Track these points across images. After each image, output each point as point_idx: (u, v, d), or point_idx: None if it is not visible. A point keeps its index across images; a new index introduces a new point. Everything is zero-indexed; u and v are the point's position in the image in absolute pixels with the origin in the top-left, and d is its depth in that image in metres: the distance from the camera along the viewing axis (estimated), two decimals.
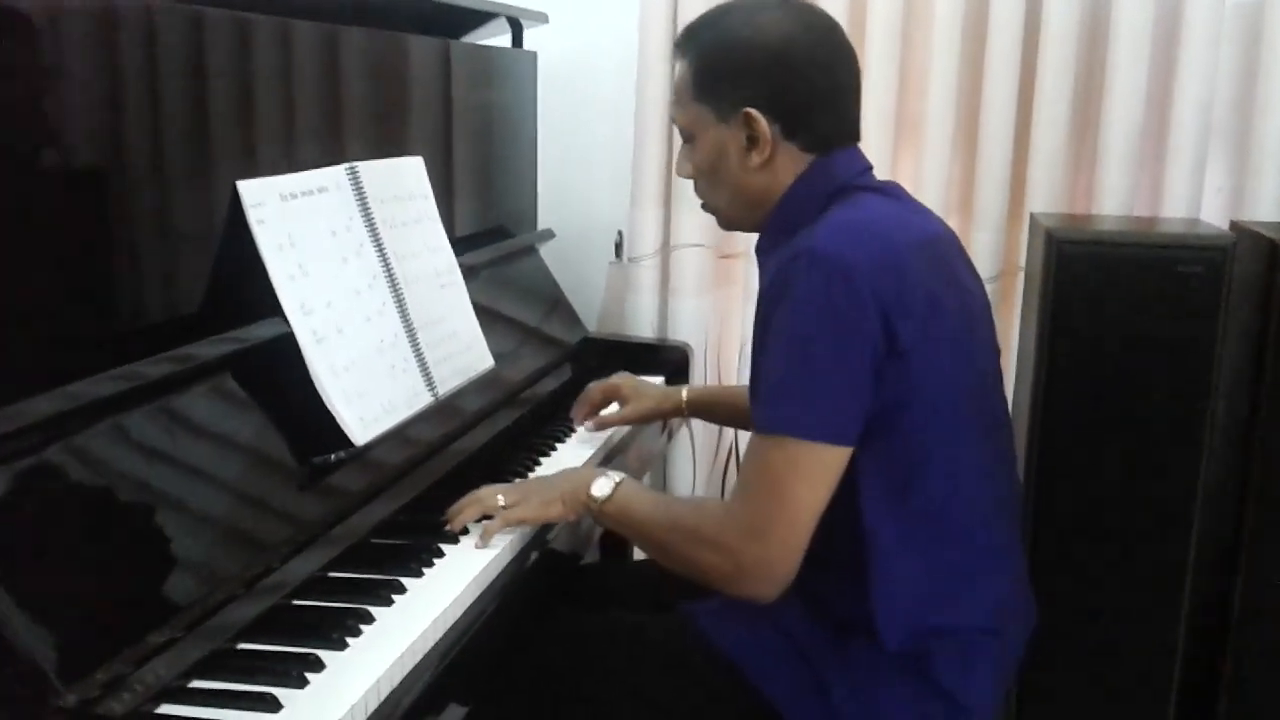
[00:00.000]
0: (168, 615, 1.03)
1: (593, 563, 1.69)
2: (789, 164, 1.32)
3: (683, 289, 2.40)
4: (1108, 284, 1.78)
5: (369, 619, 1.16)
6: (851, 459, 1.22)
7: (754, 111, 1.29)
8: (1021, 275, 2.17)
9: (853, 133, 1.36)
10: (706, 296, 2.42)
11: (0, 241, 1.04)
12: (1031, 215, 2.08)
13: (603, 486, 1.37)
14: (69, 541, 1.00)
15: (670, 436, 2.28)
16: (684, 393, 1.84)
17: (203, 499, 1.15)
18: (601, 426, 1.81)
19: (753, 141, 1.31)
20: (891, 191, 1.36)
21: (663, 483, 2.53)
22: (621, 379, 1.85)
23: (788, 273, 1.21)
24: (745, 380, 2.37)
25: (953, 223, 2.30)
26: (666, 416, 1.88)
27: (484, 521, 1.38)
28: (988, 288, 2.22)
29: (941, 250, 1.32)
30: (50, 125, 1.11)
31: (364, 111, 1.65)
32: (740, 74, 1.30)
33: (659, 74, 2.30)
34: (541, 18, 2.21)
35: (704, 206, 1.44)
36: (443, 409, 1.59)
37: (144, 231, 1.22)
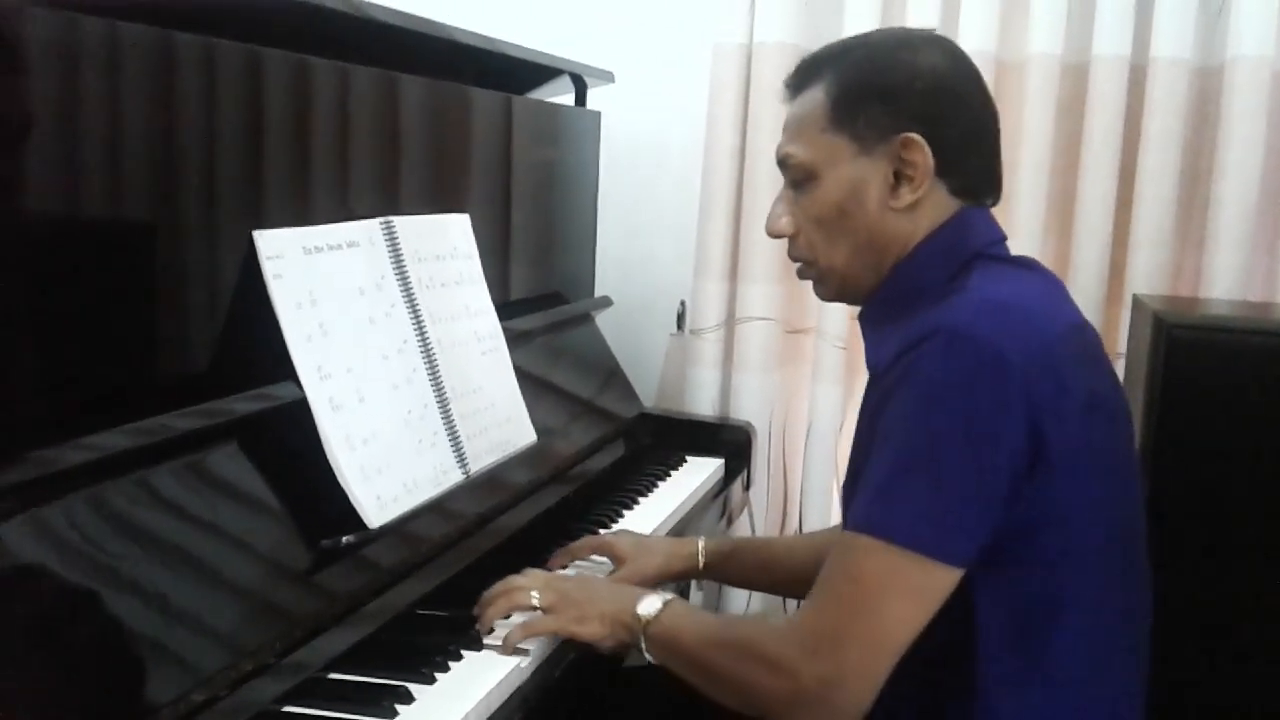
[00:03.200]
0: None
1: (636, 666, 1.51)
2: (933, 209, 1.15)
3: (747, 364, 2.25)
4: (1222, 373, 1.59)
5: None
6: (970, 591, 1.03)
7: (917, 137, 1.12)
8: (1122, 361, 1.99)
9: (997, 187, 1.20)
10: (772, 374, 2.27)
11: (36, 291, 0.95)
12: (1135, 297, 1.91)
13: (650, 605, 1.19)
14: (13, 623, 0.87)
15: (730, 522, 2.12)
16: (700, 544, 1.51)
17: (188, 580, 1.01)
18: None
19: (900, 178, 1.14)
20: (1032, 266, 1.20)
21: (718, 588, 2.32)
22: (619, 535, 1.53)
23: (921, 351, 1.02)
24: (811, 467, 2.23)
25: (1105, 314, 2.12)
26: (679, 578, 1.54)
27: (512, 621, 1.23)
28: None
29: (1090, 341, 1.14)
30: (90, 169, 1.02)
31: (421, 164, 1.55)
32: (897, 96, 1.14)
33: (728, 141, 2.19)
34: (607, 76, 2.11)
35: (804, 269, 1.24)
36: (483, 483, 1.45)
37: (185, 284, 1.13)
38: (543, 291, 1.97)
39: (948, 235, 1.15)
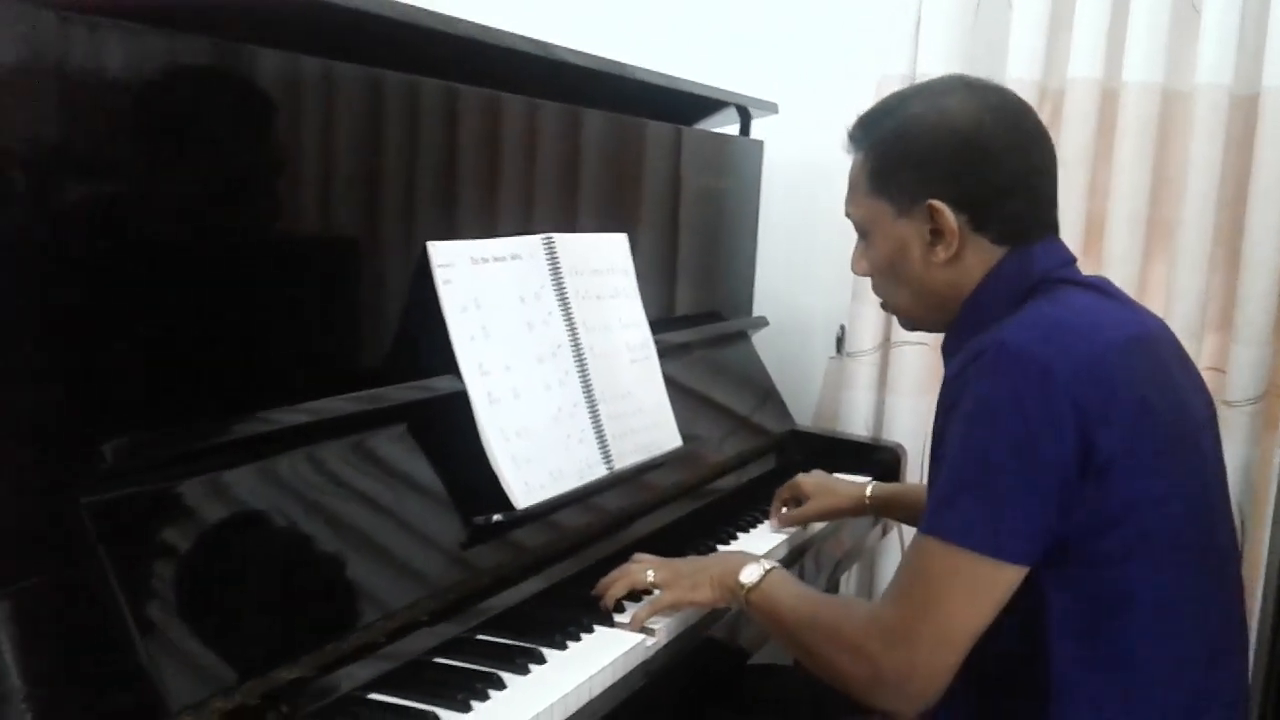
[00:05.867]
0: (297, 654, 1.04)
1: (761, 664, 1.59)
2: (978, 259, 1.22)
3: (901, 388, 2.30)
4: None
5: (500, 685, 1.14)
6: (1039, 590, 1.10)
7: (938, 203, 1.20)
8: None
9: (1050, 222, 1.25)
10: (926, 397, 2.30)
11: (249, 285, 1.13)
12: None
13: (752, 573, 1.30)
14: (209, 568, 1.04)
15: (885, 532, 2.16)
16: (869, 489, 1.76)
17: (359, 542, 1.17)
18: (786, 524, 1.75)
19: (937, 236, 1.22)
20: (1099, 286, 1.24)
21: (870, 579, 2.40)
22: (806, 476, 1.80)
23: (972, 369, 1.10)
24: None
25: (1208, 338, 2.10)
26: (850, 514, 1.80)
27: (634, 603, 1.34)
28: (1244, 409, 2.03)
29: (1156, 349, 1.18)
30: (304, 190, 1.21)
31: (598, 189, 1.71)
32: (923, 164, 1.22)
33: None
34: (771, 108, 2.21)
35: (884, 306, 1.36)
36: (630, 484, 1.57)
37: (350, 290, 1.29)
38: (703, 310, 2.09)
39: (1006, 271, 1.21)
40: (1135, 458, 1.08)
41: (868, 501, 1.75)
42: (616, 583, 1.35)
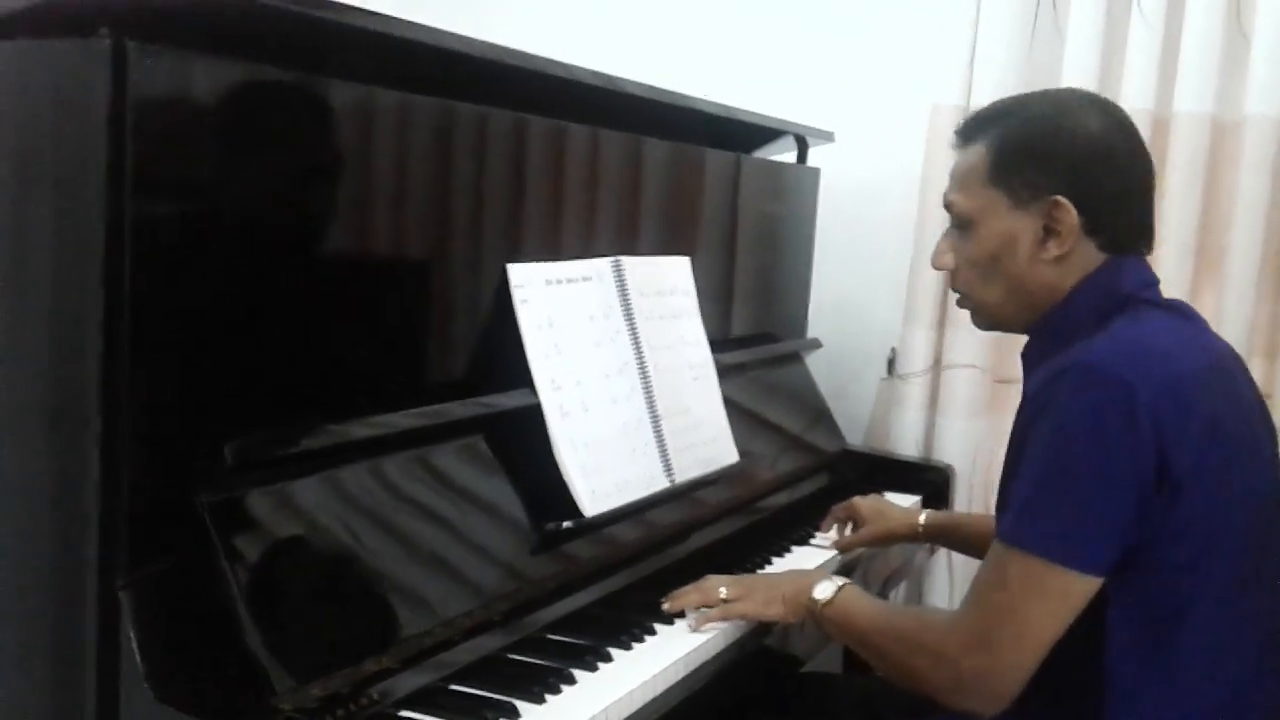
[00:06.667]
0: (386, 646, 1.12)
1: (814, 672, 1.65)
2: (1081, 262, 1.26)
3: (951, 410, 2.34)
4: None
5: (571, 680, 1.21)
6: (1101, 594, 1.15)
7: (1065, 201, 1.24)
8: None
9: (1149, 238, 1.29)
10: (977, 420, 2.35)
11: (289, 301, 1.20)
12: None
13: (825, 589, 1.35)
14: (311, 563, 1.12)
15: (933, 551, 2.21)
16: (923, 516, 1.78)
17: (441, 543, 1.25)
18: (842, 549, 1.79)
19: (1049, 233, 1.25)
20: (1179, 309, 1.29)
21: (918, 597, 2.44)
22: (863, 499, 1.82)
23: (1058, 385, 1.14)
24: None
25: (1255, 367, 2.13)
26: (903, 540, 1.82)
27: (702, 610, 1.41)
28: None
29: (1230, 375, 1.23)
30: (395, 215, 1.29)
31: (660, 215, 1.78)
32: (1053, 160, 1.25)
33: (940, 197, 2.30)
34: (828, 136, 2.28)
35: (962, 300, 1.37)
36: (686, 498, 1.64)
37: (437, 306, 1.37)
38: (758, 331, 2.15)
39: (1099, 282, 1.25)
40: (1205, 476, 1.13)
41: (921, 530, 1.77)
42: (689, 595, 1.41)
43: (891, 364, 2.48)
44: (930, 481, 2.20)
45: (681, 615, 1.41)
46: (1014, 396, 2.29)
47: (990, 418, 2.38)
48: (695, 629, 1.37)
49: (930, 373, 2.37)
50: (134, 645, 0.97)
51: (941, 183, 2.26)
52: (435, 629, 1.18)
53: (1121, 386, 1.11)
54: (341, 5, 1.10)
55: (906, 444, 2.39)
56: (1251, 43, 2.05)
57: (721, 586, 1.42)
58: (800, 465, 2.05)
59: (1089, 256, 1.26)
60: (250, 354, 1.10)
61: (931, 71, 2.31)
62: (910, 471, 2.23)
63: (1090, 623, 1.15)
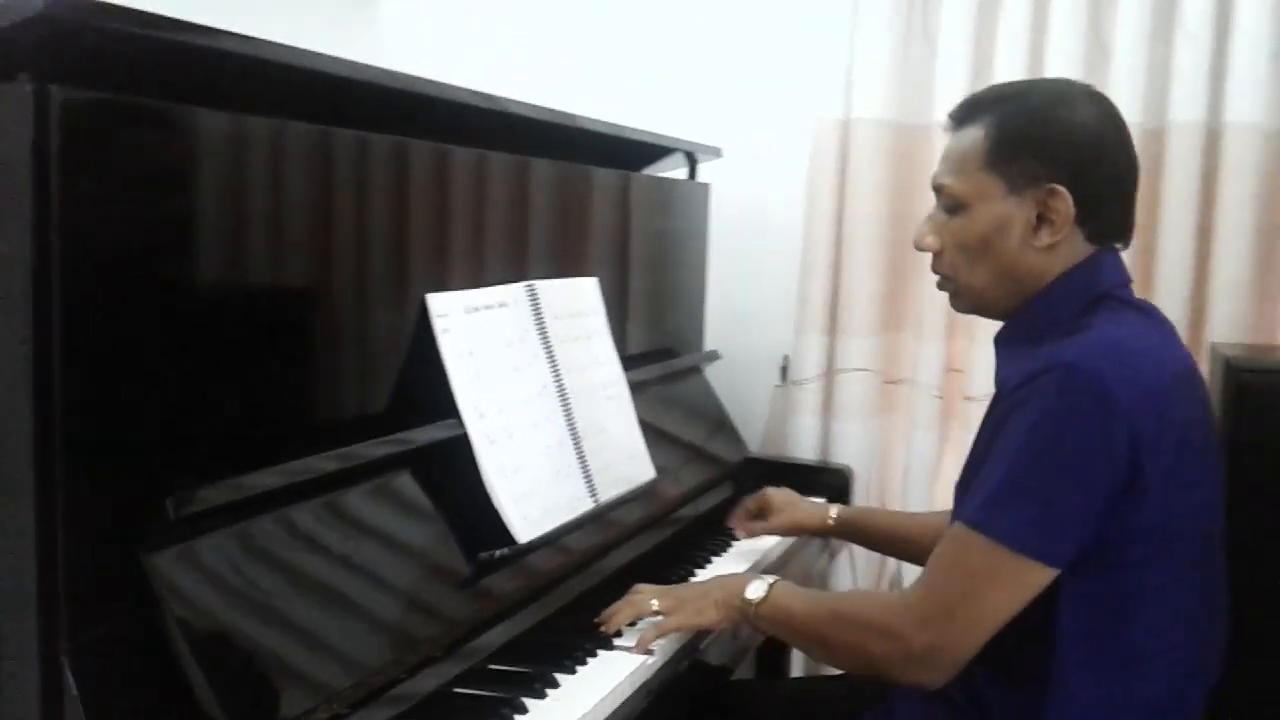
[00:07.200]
0: (337, 690, 1.10)
1: (744, 680, 1.69)
2: (1069, 251, 1.29)
3: (846, 413, 2.41)
4: None
5: (523, 709, 1.21)
6: (1057, 582, 1.19)
7: (1061, 188, 1.26)
8: None
9: (1129, 234, 1.34)
10: (870, 420, 2.43)
11: (221, 345, 1.16)
12: (1212, 345, 2.03)
13: (757, 589, 1.38)
14: (257, 613, 1.09)
15: (832, 557, 2.27)
16: (833, 510, 1.85)
17: (375, 582, 1.23)
18: (750, 534, 1.87)
19: (1043, 220, 1.28)
20: (1149, 310, 1.34)
21: None
22: (775, 490, 1.89)
23: (1041, 382, 1.18)
24: (909, 507, 2.37)
25: None
26: (813, 532, 1.89)
27: (639, 625, 1.42)
28: None
29: (1195, 379, 1.29)
30: (271, 245, 1.25)
31: (550, 235, 1.77)
32: (1052, 149, 1.27)
33: (826, 207, 2.37)
34: (715, 152, 2.32)
35: (943, 283, 1.39)
36: (602, 520, 1.65)
37: (352, 340, 1.34)
38: (656, 347, 2.18)
39: (1081, 275, 1.29)
40: (1170, 482, 1.18)
41: (832, 523, 1.82)
42: (621, 612, 1.42)
43: (784, 371, 2.54)
44: (830, 484, 2.27)
45: (618, 634, 1.42)
46: (903, 398, 2.42)
47: (882, 418, 2.46)
48: (637, 651, 1.38)
49: (824, 378, 2.44)
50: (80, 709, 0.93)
51: (826, 193, 2.37)
52: (386, 667, 1.16)
53: (1102, 392, 1.15)
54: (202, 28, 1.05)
55: (804, 449, 2.45)
56: (1112, 55, 2.18)
57: (652, 599, 1.44)
58: (709, 476, 2.09)
59: (1077, 246, 1.30)
60: (191, 399, 1.07)
61: (813, 86, 2.38)
62: (811, 474, 2.29)
63: (1042, 609, 1.20)
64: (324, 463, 1.21)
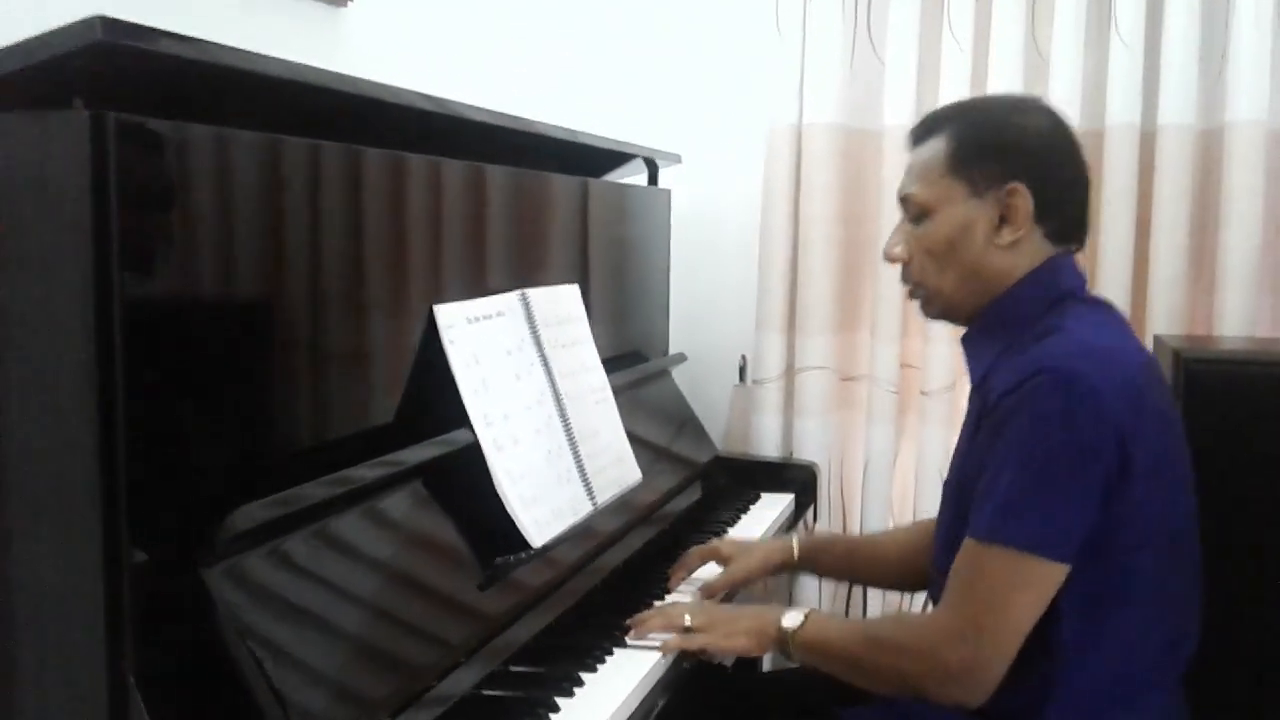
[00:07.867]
0: (393, 696, 1.12)
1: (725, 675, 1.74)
2: (1031, 250, 1.37)
3: (807, 410, 2.49)
4: (1237, 404, 1.80)
5: (555, 708, 1.24)
6: None
7: (1021, 186, 1.34)
8: None
9: (1085, 233, 1.42)
10: (829, 416, 2.51)
11: (274, 362, 1.17)
12: (1156, 337, 2.14)
13: (794, 618, 1.40)
14: (313, 622, 1.11)
15: (793, 580, 2.33)
16: (794, 541, 1.75)
17: (391, 595, 1.25)
18: (711, 593, 1.66)
19: (1004, 220, 1.36)
20: (1108, 308, 1.42)
21: None
22: (721, 541, 1.79)
23: (1030, 388, 1.24)
24: (870, 501, 2.46)
25: None
26: (777, 571, 1.77)
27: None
28: None
29: (1157, 370, 1.38)
30: (271, 258, 1.25)
31: (510, 243, 1.72)
32: (1010, 150, 1.36)
33: (783, 209, 2.45)
34: (675, 158, 2.37)
35: (914, 291, 1.46)
36: (603, 517, 1.67)
37: (356, 351, 1.34)
38: (623, 351, 2.21)
39: (1041, 277, 1.37)
40: (1155, 465, 1.26)
41: (797, 556, 1.73)
42: (653, 619, 1.45)
43: (743, 370, 2.61)
44: (797, 479, 2.34)
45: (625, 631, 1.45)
46: (861, 394, 2.50)
47: (841, 414, 2.54)
48: (664, 653, 1.41)
49: (784, 377, 2.51)
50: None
51: (782, 195, 2.44)
52: (422, 672, 1.18)
53: (1090, 390, 1.22)
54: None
55: (766, 446, 2.52)
56: (1050, 62, 2.28)
57: (686, 613, 1.46)
58: (682, 477, 2.13)
59: (1037, 246, 1.38)
60: (246, 415, 1.09)
61: (767, 93, 2.44)
62: (779, 471, 2.36)
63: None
64: (333, 487, 1.22)
